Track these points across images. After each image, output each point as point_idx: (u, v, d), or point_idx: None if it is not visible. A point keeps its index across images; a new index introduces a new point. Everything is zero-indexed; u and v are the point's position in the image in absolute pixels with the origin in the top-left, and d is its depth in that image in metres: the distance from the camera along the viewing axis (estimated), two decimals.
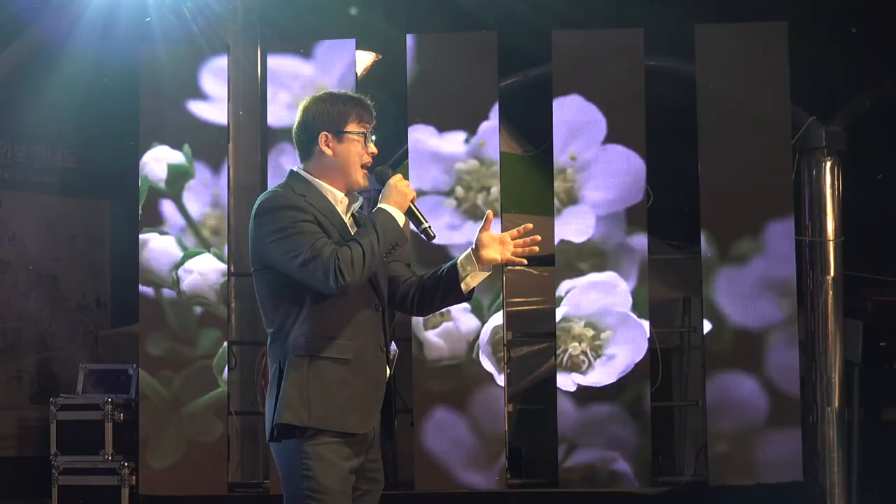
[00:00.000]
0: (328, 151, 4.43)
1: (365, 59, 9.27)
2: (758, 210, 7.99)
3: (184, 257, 8.30)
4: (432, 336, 8.10)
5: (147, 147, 8.35)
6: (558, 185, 8.11)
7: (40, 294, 10.18)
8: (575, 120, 8.12)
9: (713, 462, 7.93)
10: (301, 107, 4.49)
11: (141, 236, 8.32)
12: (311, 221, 4.32)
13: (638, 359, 7.97)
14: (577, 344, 8.01)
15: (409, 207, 4.44)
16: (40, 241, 10.18)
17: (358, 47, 8.42)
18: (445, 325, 8.11)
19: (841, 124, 8.58)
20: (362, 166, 4.45)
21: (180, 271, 8.29)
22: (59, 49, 9.21)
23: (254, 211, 4.40)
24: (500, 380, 8.05)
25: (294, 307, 4.34)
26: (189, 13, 8.80)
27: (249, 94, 8.81)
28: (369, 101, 4.52)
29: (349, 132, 4.43)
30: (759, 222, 7.98)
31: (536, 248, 4.54)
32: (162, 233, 8.31)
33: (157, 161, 8.34)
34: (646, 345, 7.97)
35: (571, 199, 8.12)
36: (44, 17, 8.97)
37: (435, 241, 4.51)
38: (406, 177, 4.52)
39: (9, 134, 9.98)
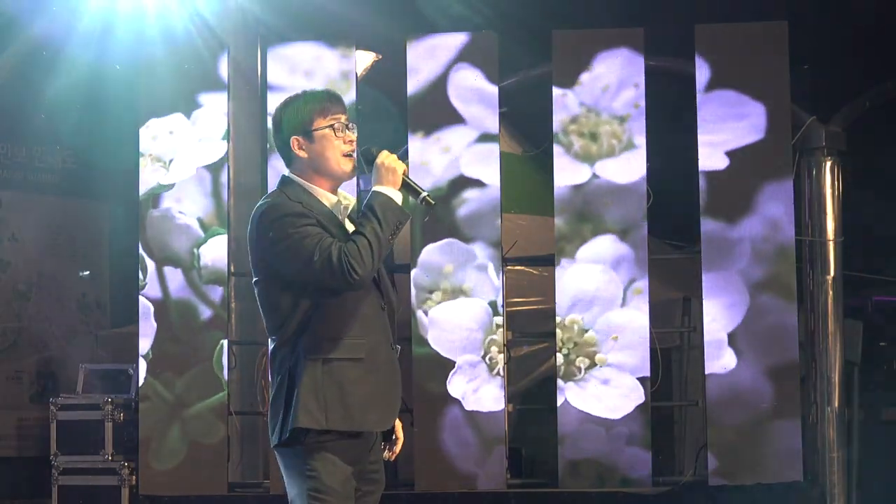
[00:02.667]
0: (303, 154, 4.43)
1: (365, 60, 9.26)
2: (757, 210, 7.98)
3: (207, 236, 8.29)
4: (433, 334, 8.11)
5: (146, 146, 8.36)
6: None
7: (40, 294, 10.17)
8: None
9: (713, 462, 7.93)
10: (272, 118, 4.50)
11: (155, 213, 8.32)
12: (314, 224, 4.32)
13: (637, 359, 7.98)
14: (570, 349, 8.01)
15: (404, 181, 4.41)
16: (40, 241, 10.18)
17: (357, 47, 8.43)
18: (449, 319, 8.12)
19: (841, 124, 8.57)
20: (345, 155, 4.44)
21: (202, 249, 8.28)
22: (59, 49, 9.20)
23: (255, 221, 4.39)
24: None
25: (300, 312, 4.33)
26: (188, 13, 8.79)
27: (249, 93, 8.80)
28: (334, 92, 4.52)
29: (317, 129, 4.42)
30: (759, 222, 7.98)
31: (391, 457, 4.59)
32: (182, 213, 8.31)
33: (156, 159, 8.36)
34: (646, 345, 7.98)
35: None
36: (44, 17, 8.96)
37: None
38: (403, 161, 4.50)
39: (9, 134, 9.98)
